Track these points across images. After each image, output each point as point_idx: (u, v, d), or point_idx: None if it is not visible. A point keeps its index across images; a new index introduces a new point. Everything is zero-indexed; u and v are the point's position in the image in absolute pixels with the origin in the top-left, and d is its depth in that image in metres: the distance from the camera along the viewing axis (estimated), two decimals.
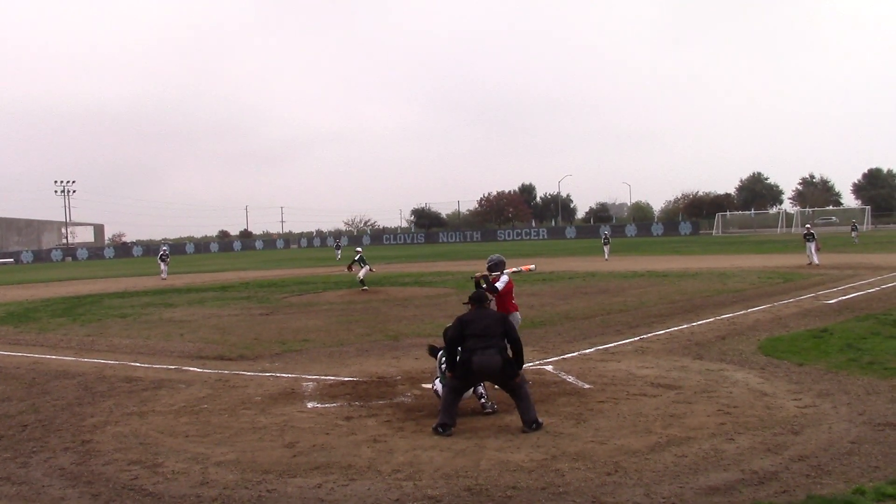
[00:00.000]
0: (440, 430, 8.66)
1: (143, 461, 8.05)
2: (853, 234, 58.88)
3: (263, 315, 21.81)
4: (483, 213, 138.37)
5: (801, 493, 6.40)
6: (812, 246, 33.06)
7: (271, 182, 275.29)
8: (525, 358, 9.48)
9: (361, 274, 29.71)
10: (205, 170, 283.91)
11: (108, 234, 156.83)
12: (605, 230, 67.10)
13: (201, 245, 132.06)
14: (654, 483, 6.80)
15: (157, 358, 14.93)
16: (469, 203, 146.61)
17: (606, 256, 44.09)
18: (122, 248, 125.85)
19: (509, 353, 9.08)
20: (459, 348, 9.10)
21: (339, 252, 64.86)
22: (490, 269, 11.46)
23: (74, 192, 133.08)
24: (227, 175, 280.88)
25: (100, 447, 8.66)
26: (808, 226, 36.72)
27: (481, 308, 9.49)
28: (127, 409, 10.54)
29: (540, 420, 8.76)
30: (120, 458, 8.22)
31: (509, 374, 8.92)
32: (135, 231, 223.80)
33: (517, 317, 11.46)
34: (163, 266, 44.41)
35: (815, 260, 32.58)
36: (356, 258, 30.26)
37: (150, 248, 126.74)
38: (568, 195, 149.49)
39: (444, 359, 9.40)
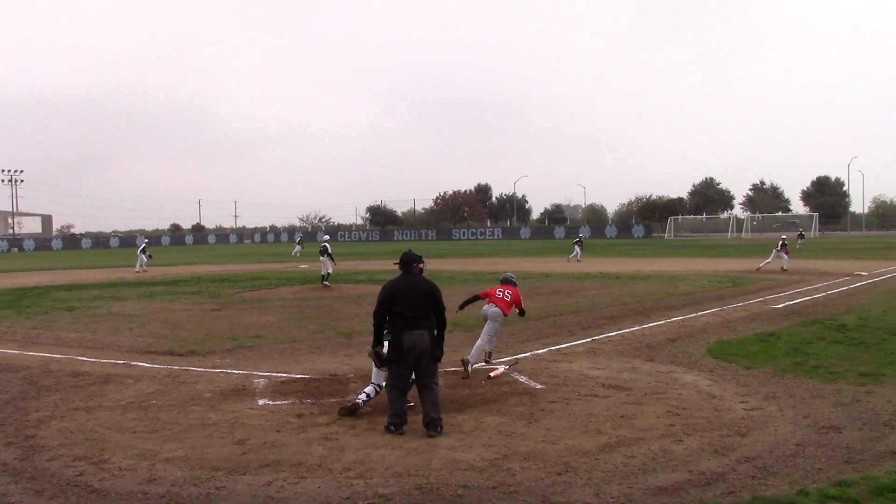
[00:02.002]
0: (391, 428, 8.63)
1: (88, 457, 7.90)
2: (799, 241, 60.03)
3: (215, 310, 21.56)
4: (439, 212, 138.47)
5: (747, 494, 6.51)
6: (783, 252, 34.41)
7: (225, 176, 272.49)
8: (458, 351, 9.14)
9: (330, 269, 29.37)
10: (157, 162, 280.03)
11: (56, 226, 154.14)
12: (582, 233, 69.21)
13: (153, 238, 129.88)
14: (604, 483, 6.86)
15: (104, 352, 14.67)
16: (425, 202, 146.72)
17: (579, 258, 43.85)
18: (71, 240, 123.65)
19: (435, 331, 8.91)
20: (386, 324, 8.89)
21: (300, 248, 64.24)
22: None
23: (22, 181, 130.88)
24: (180, 168, 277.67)
25: (44, 442, 8.48)
26: (783, 236, 38.01)
27: (409, 275, 9.07)
28: (73, 403, 10.34)
29: (442, 424, 8.61)
30: (65, 453, 8.06)
31: (438, 354, 8.84)
32: (84, 223, 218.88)
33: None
34: (143, 258, 43.50)
35: (786, 266, 33.91)
36: (321, 250, 29.87)
37: (99, 240, 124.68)
38: (523, 196, 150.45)
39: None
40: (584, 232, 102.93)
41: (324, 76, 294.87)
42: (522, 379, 11.41)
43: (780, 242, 35.01)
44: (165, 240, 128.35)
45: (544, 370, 12.09)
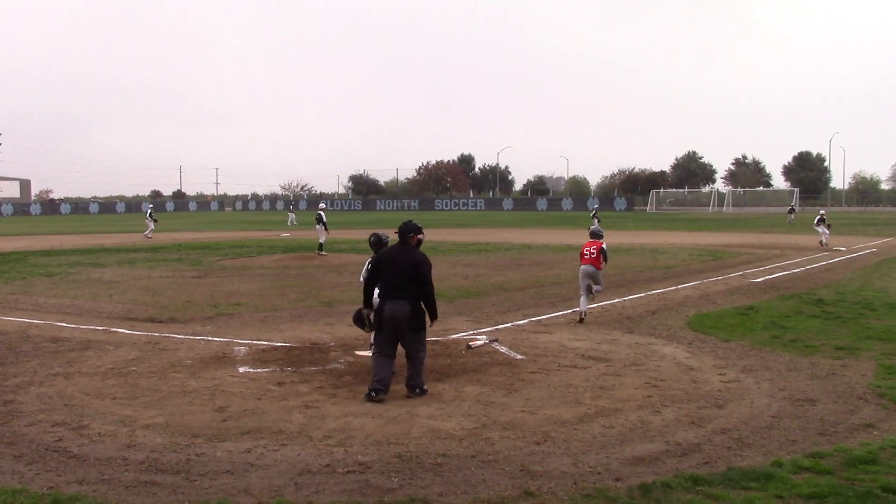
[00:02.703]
0: (371, 394, 8.68)
1: (67, 423, 7.89)
2: (790, 216, 60.10)
3: (196, 278, 21.47)
4: (421, 182, 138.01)
5: (722, 464, 6.59)
6: (823, 229, 33.16)
7: (207, 143, 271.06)
8: (436, 313, 9.17)
9: (322, 238, 29.31)
10: (138, 128, 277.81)
11: (34, 190, 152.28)
12: (595, 204, 68.12)
13: (132, 205, 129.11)
14: (582, 453, 6.93)
15: (84, 318, 14.60)
16: (408, 171, 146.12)
17: (826, 240, 42.30)
18: (50, 205, 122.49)
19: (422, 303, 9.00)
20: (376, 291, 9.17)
21: (294, 216, 63.82)
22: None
23: (0, 145, 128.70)
24: (161, 134, 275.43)
25: (23, 408, 8.46)
26: (822, 211, 37.09)
27: (402, 245, 9.20)
28: (52, 369, 10.30)
29: (425, 387, 8.96)
30: (44, 419, 8.04)
31: (417, 324, 8.90)
32: (63, 188, 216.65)
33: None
34: (151, 224, 42.91)
35: (825, 241, 32.61)
36: (317, 218, 29.82)
37: (78, 205, 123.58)
38: (506, 167, 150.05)
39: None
40: (566, 204, 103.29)
41: (307, 44, 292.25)
42: (503, 349, 11.46)
43: (818, 218, 34.04)
44: (146, 206, 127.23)
45: (525, 341, 12.15)
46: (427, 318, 9.03)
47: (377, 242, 10.24)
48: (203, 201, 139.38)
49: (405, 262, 8.97)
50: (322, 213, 30.13)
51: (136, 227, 49.62)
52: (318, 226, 29.72)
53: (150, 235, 41.56)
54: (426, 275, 8.98)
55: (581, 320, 13.87)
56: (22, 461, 6.79)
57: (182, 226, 61.03)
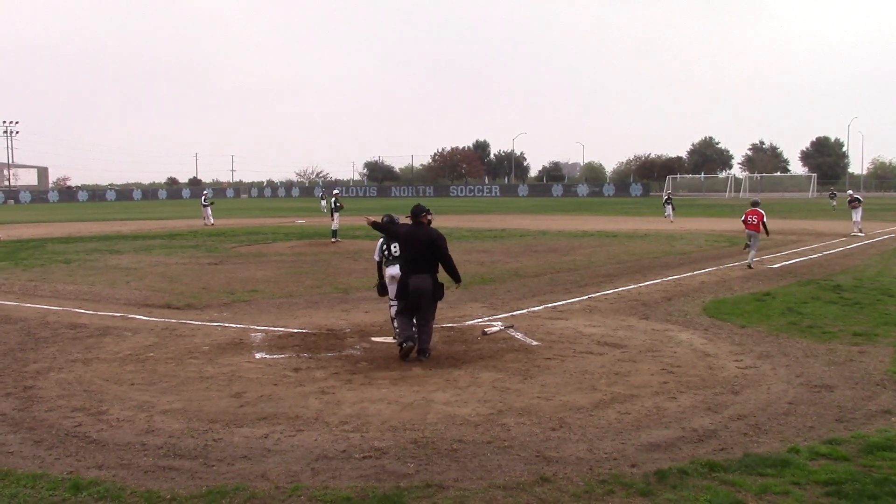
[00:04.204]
0: (403, 346, 9.86)
1: (86, 408, 7.97)
2: (832, 201, 59.09)
3: (212, 264, 21.58)
4: (436, 169, 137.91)
5: (739, 451, 6.58)
6: (857, 213, 32.08)
7: (222, 130, 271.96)
8: (460, 277, 10.59)
9: (335, 225, 29.35)
10: (154, 115, 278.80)
11: (52, 178, 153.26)
12: (669, 189, 66.84)
13: (149, 192, 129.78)
14: (598, 439, 6.93)
15: (102, 305, 14.71)
16: (423, 158, 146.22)
17: (671, 218, 42.28)
18: (67, 193, 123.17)
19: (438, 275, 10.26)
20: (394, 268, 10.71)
21: (325, 203, 63.80)
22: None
23: (18, 133, 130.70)
24: (176, 121, 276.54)
25: (42, 393, 8.54)
26: (850, 192, 35.68)
27: (418, 225, 10.29)
28: (71, 355, 10.39)
29: (430, 352, 10.07)
30: (63, 404, 8.12)
31: (438, 295, 10.15)
32: (80, 175, 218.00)
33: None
34: (209, 211, 43.17)
35: (857, 229, 31.47)
36: (332, 201, 29.94)
37: (95, 192, 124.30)
38: (522, 153, 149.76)
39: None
40: (581, 190, 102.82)
41: (322, 31, 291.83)
42: (518, 336, 11.46)
43: (849, 198, 33.14)
44: (162, 193, 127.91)
45: (540, 327, 12.14)
46: (444, 290, 10.28)
47: (390, 222, 11.12)
48: (219, 188, 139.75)
49: (423, 239, 10.12)
50: (336, 196, 30.27)
51: (153, 213, 49.78)
52: (334, 213, 29.73)
53: (209, 222, 41.68)
54: (443, 248, 10.16)
55: (749, 266, 19.32)
56: (42, 446, 6.86)
57: (198, 213, 61.20)
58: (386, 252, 11.07)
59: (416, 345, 9.94)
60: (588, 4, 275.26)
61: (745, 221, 19.94)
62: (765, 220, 19.63)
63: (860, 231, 31.25)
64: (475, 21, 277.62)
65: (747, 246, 19.76)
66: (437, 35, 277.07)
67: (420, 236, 10.14)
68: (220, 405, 8.05)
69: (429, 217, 10.48)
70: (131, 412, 7.82)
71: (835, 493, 5.67)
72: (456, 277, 10.41)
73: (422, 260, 10.04)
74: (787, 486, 5.80)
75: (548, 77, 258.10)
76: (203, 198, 44.37)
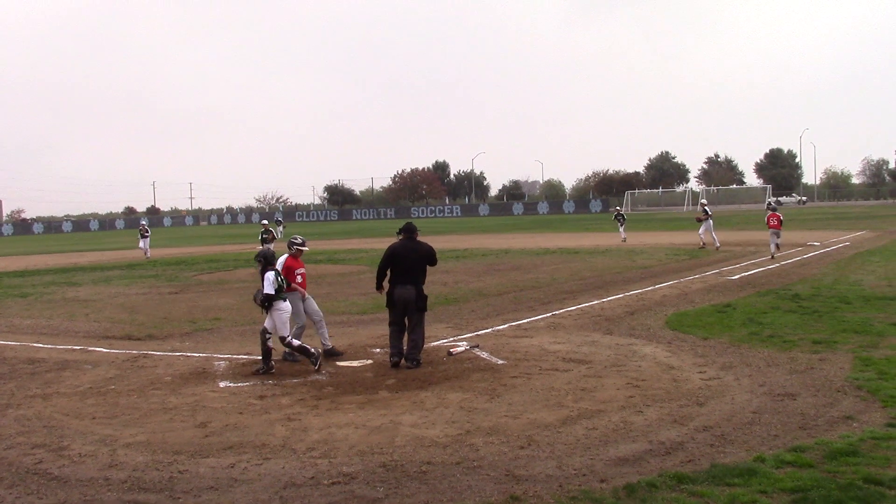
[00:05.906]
0: (393, 359, 10.82)
1: (47, 444, 7.80)
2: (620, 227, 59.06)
3: (173, 294, 21.32)
4: (397, 191, 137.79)
5: (706, 461, 6.63)
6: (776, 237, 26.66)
7: (179, 158, 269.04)
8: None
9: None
10: (109, 144, 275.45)
11: (6, 210, 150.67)
12: (619, 206, 66.13)
13: (106, 222, 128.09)
14: (566, 455, 6.94)
15: (60, 338, 14.45)
16: (383, 180, 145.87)
17: (623, 235, 38.89)
18: (22, 225, 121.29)
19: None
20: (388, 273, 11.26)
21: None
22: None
23: None
24: (132, 150, 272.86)
25: (1, 431, 8.35)
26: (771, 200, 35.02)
27: (411, 240, 11.22)
28: (29, 391, 10.19)
29: (419, 361, 10.83)
30: (23, 441, 7.95)
31: (421, 305, 11.05)
32: (35, 207, 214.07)
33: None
34: (142, 243, 40.58)
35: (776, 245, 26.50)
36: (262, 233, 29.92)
37: (51, 224, 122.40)
38: (482, 173, 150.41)
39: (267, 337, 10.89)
40: (541, 208, 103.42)
41: (277, 56, 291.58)
42: (484, 355, 11.47)
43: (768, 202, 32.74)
44: (120, 223, 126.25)
45: (505, 346, 12.16)
46: (426, 301, 11.20)
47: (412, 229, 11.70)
48: (178, 216, 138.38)
49: (419, 253, 11.18)
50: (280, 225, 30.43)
51: (110, 244, 49.10)
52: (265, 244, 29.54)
53: (147, 255, 39.13)
54: (434, 256, 11.34)
55: (772, 257, 24.80)
56: (2, 485, 6.70)
57: (157, 242, 60.45)
58: (276, 287, 11.14)
59: (401, 357, 10.82)
60: (545, 23, 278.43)
61: (768, 222, 26.08)
62: (781, 218, 26.16)
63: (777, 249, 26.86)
64: (430, 42, 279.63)
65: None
66: (394, 57, 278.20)
67: (419, 250, 11.20)
68: (184, 436, 7.93)
69: (418, 232, 11.45)
70: (93, 446, 7.67)
71: (801, 500, 5.74)
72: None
73: (413, 272, 11.02)
74: (754, 494, 5.85)
75: (505, 96, 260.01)
76: (140, 229, 41.47)
